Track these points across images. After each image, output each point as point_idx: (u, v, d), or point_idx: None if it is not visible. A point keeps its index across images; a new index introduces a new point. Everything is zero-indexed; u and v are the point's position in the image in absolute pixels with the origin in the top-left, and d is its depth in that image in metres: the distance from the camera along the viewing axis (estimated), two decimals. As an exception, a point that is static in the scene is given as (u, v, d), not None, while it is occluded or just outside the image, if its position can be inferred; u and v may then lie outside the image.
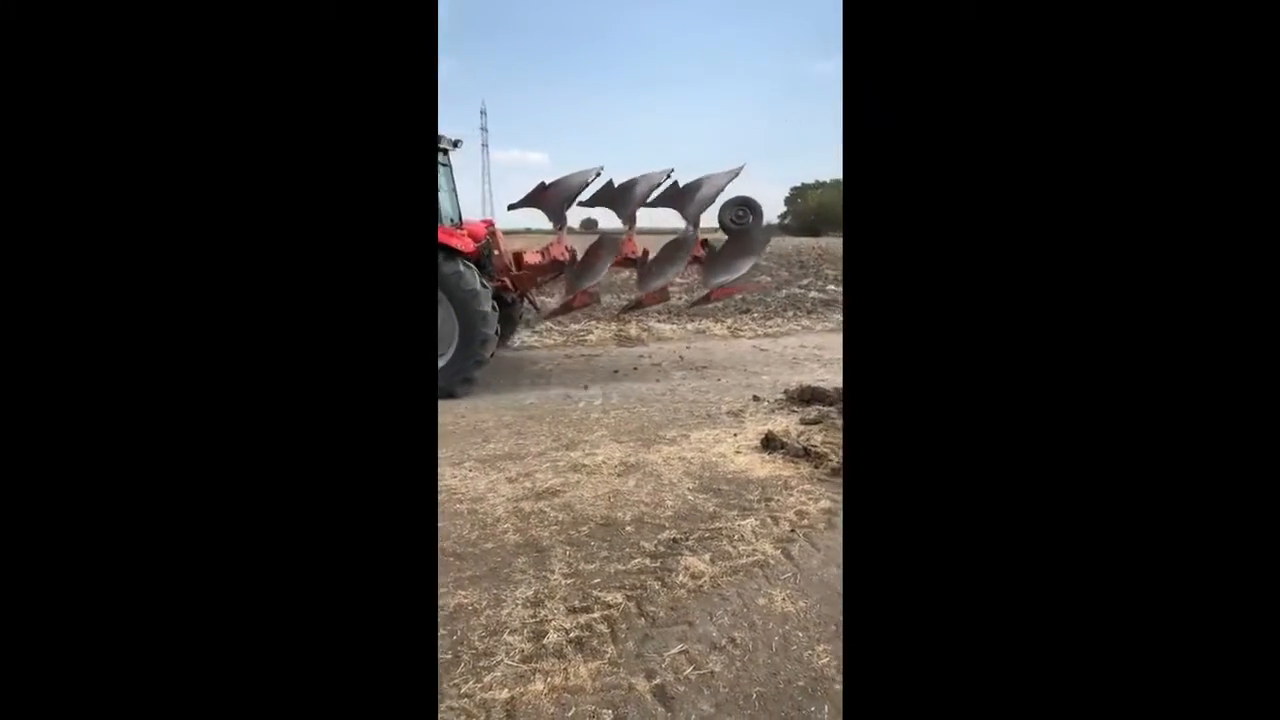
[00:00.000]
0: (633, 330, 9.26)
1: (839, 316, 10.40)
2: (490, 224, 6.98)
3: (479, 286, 5.67)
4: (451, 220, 6.56)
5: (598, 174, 6.09)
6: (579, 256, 6.48)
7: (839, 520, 3.11)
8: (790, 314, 10.72)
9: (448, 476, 3.77)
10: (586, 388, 6.08)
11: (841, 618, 2.35)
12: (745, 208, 6.22)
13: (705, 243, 6.56)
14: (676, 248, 6.32)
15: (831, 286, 12.71)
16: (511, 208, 6.52)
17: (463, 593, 2.52)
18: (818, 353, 7.66)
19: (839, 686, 2.01)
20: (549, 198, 6.17)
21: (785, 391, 5.46)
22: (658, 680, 2.04)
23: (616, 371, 6.89)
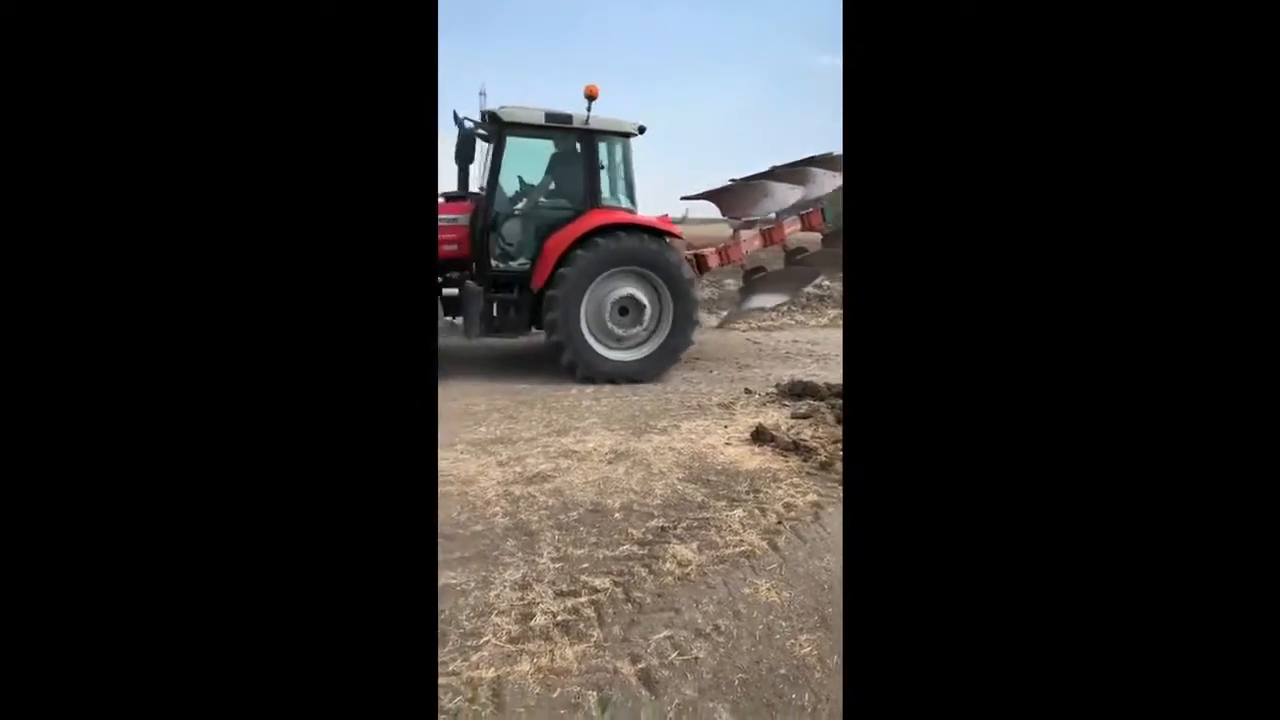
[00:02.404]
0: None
1: (833, 312, 10.42)
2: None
3: (692, 275, 5.91)
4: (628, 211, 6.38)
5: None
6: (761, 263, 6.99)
7: (825, 514, 3.15)
8: (784, 308, 10.73)
9: (439, 459, 3.78)
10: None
11: (826, 609, 2.39)
12: None
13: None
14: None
15: (827, 282, 12.75)
16: (685, 199, 7.28)
17: (451, 573, 2.54)
18: (811, 348, 7.69)
19: (820, 675, 2.05)
20: (732, 196, 6.45)
21: (777, 385, 5.48)
22: (642, 664, 2.07)
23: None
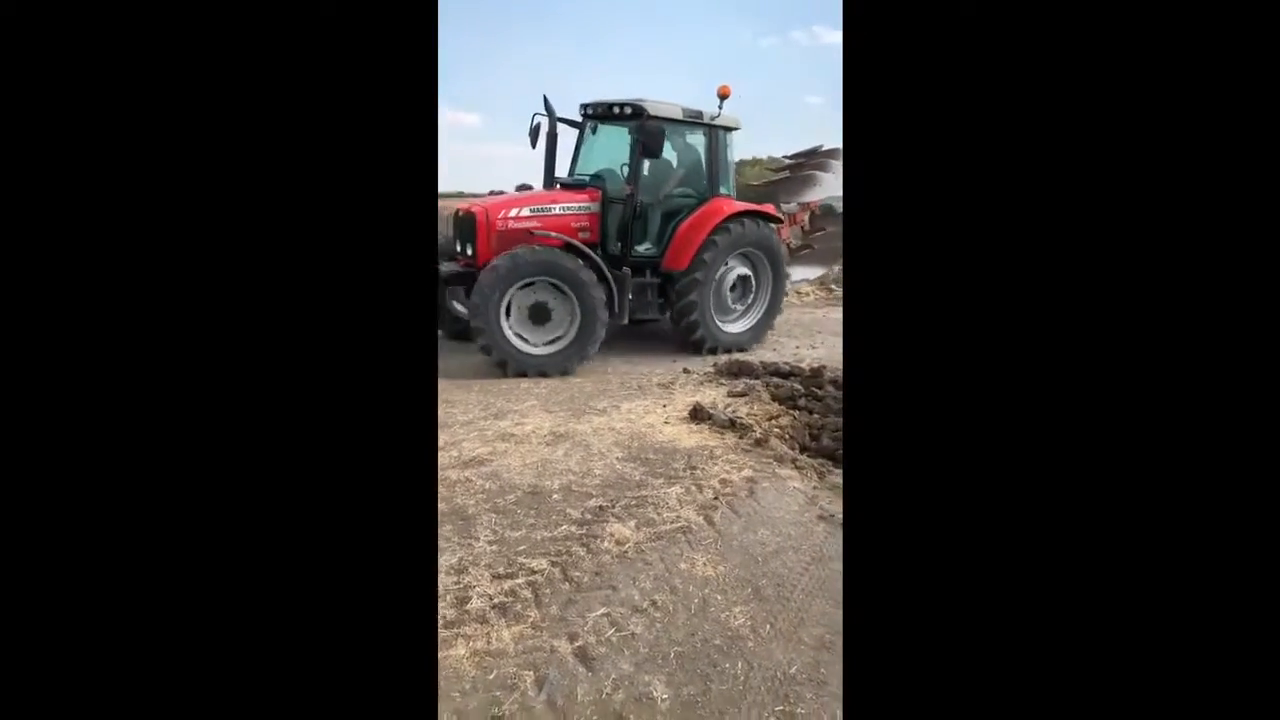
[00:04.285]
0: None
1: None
2: None
3: (786, 254, 6.95)
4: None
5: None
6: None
7: (760, 488, 3.23)
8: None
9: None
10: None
11: (759, 581, 2.46)
12: None
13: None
14: None
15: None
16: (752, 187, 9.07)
17: (384, 561, 2.48)
18: (748, 328, 7.81)
19: (752, 644, 2.11)
20: (789, 184, 8.55)
21: (714, 365, 5.56)
22: (579, 642, 2.09)
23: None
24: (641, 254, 6.01)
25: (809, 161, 8.95)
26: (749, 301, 6.54)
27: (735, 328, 6.44)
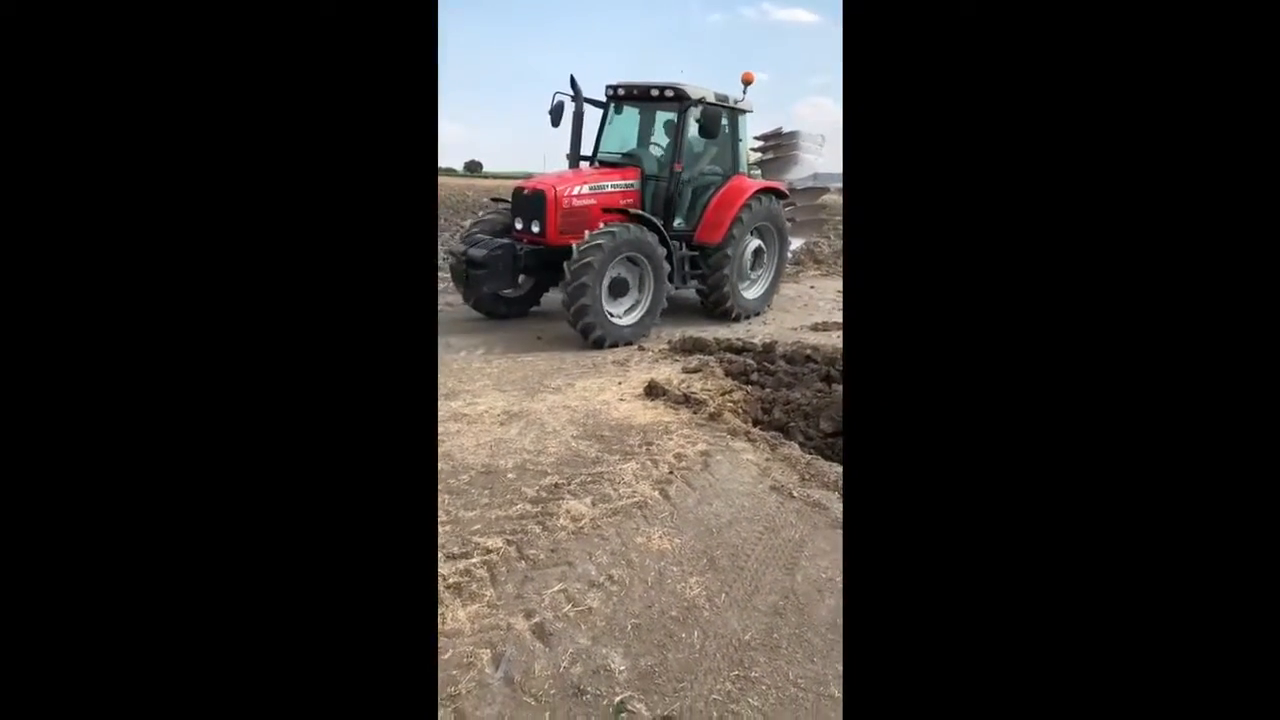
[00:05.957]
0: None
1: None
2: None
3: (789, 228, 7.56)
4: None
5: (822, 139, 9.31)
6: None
7: (714, 461, 3.27)
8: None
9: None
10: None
11: (714, 552, 2.49)
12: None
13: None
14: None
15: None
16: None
17: (334, 545, 2.43)
18: (699, 302, 7.85)
19: (708, 614, 2.14)
20: (773, 164, 8.71)
21: (669, 342, 5.58)
22: (536, 619, 2.08)
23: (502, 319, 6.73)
24: (675, 228, 6.31)
25: (785, 142, 9.39)
26: (760, 271, 7.16)
27: (750, 294, 7.03)
